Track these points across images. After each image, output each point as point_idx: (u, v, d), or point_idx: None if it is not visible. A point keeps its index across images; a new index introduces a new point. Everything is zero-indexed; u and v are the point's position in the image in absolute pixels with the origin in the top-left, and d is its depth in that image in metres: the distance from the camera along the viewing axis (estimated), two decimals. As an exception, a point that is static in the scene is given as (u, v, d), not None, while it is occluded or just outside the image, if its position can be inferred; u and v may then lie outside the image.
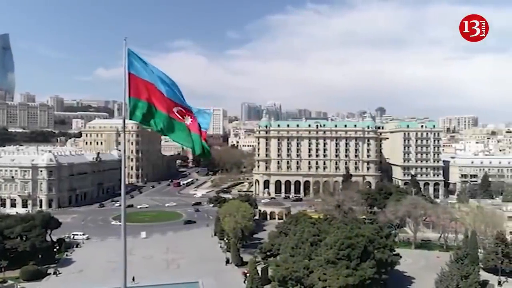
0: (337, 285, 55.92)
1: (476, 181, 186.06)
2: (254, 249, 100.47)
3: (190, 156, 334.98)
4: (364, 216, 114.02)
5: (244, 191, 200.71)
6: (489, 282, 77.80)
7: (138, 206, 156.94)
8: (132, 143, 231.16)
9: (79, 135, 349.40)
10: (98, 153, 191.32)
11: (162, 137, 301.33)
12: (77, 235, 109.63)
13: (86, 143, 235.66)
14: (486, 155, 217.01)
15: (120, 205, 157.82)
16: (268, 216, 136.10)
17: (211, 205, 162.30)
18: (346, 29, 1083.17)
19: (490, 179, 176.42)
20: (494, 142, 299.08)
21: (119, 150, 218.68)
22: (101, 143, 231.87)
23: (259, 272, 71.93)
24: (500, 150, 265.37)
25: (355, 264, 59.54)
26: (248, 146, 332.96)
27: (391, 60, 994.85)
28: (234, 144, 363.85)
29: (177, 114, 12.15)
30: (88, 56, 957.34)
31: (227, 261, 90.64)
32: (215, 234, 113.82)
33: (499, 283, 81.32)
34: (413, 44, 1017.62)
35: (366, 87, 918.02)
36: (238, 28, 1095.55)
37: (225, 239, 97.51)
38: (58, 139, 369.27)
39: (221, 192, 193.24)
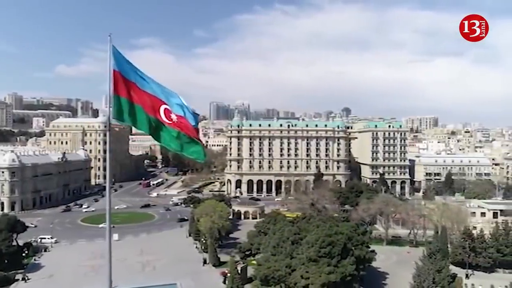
0: (319, 282, 56.68)
1: (439, 179, 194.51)
2: (230, 249, 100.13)
3: (159, 156, 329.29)
4: (336, 214, 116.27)
5: (215, 191, 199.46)
6: (457, 275, 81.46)
7: (116, 207, 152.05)
8: (99, 143, 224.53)
9: (40, 134, 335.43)
10: (64, 153, 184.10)
11: (130, 136, 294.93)
12: (44, 238, 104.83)
13: (50, 142, 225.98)
14: (448, 154, 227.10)
15: (87, 208, 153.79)
16: (242, 216, 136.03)
17: (183, 205, 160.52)
18: (313, 30, 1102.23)
19: (452, 177, 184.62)
20: (454, 142, 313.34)
21: (86, 150, 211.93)
22: (66, 142, 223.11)
23: (239, 272, 71.76)
24: (460, 149, 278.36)
25: (336, 261, 60.61)
26: (218, 145, 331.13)
27: (356, 61, 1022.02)
28: (203, 144, 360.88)
29: (163, 114, 11.82)
30: (48, 52, 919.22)
31: (204, 262, 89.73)
32: (190, 235, 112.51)
33: (467, 276, 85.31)
34: (376, 46, 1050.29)
35: (332, 88, 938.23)
36: (206, 27, 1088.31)
37: (202, 239, 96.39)
38: (18, 138, 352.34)
39: (193, 192, 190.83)
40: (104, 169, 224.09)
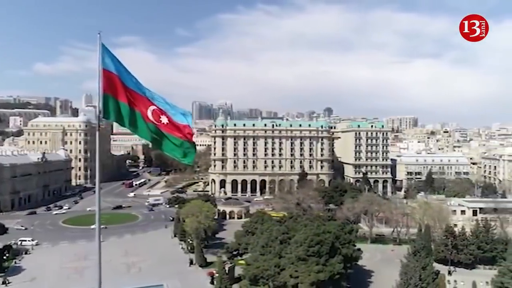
0: (308, 281, 57.01)
1: (420, 178, 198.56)
2: (216, 249, 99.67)
3: (141, 156, 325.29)
4: (321, 214, 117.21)
5: (199, 191, 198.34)
6: (440, 272, 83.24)
7: (88, 209, 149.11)
8: (80, 142, 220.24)
9: (18, 133, 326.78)
10: (44, 153, 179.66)
11: (112, 136, 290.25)
12: (25, 241, 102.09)
13: (29, 142, 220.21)
14: (428, 153, 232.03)
15: (68, 209, 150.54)
16: (228, 216, 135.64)
17: (167, 205, 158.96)
18: (296, 31, 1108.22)
19: (433, 176, 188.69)
20: (433, 142, 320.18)
21: (66, 150, 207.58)
22: (46, 142, 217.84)
23: (227, 272, 71.53)
24: (439, 149, 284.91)
25: (324, 260, 61.10)
26: (201, 145, 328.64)
27: (338, 62, 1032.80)
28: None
29: (151, 115, 11.70)
30: (25, 49, 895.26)
31: (191, 262, 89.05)
32: (175, 235, 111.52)
33: (449, 273, 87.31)
34: (358, 47, 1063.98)
35: (314, 88, 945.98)
36: (188, 26, 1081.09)
37: (188, 240, 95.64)
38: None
39: (176, 192, 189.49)
40: (85, 170, 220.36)
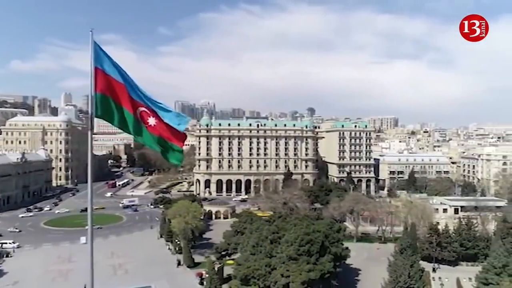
0: (300, 280, 57.28)
1: (402, 177, 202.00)
2: (203, 249, 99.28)
3: (123, 156, 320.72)
4: (308, 213, 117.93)
5: (184, 191, 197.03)
6: (425, 269, 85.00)
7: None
8: (60, 142, 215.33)
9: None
10: (23, 153, 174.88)
11: (93, 135, 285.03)
12: (5, 243, 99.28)
13: (7, 142, 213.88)
14: (410, 153, 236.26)
15: (48, 210, 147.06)
16: (214, 216, 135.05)
17: (152, 206, 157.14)
18: (278, 31, 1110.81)
19: (415, 175, 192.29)
20: (414, 141, 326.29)
21: (46, 150, 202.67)
22: (25, 142, 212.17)
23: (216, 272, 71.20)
24: (420, 149, 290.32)
25: (315, 259, 61.51)
26: (185, 145, 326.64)
27: (319, 62, 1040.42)
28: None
29: (141, 115, 11.71)
30: (0, 46, 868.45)
31: (179, 263, 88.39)
32: (161, 236, 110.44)
33: (434, 270, 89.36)
34: (339, 48, 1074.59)
35: (297, 88, 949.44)
36: (170, 25, 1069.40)
37: (176, 240, 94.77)
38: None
39: (160, 192, 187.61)
40: (66, 170, 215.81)
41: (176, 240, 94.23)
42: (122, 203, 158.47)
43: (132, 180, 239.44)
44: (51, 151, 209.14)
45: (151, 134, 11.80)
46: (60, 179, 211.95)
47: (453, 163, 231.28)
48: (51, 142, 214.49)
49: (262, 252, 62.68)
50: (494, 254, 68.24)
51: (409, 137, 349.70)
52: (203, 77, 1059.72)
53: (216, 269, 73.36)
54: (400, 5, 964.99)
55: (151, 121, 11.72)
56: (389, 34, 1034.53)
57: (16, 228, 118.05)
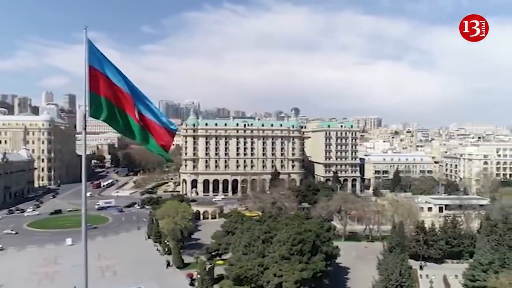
0: (292, 279, 57.44)
1: (387, 177, 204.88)
2: (192, 250, 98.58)
3: (107, 156, 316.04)
4: (293, 212, 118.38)
5: (170, 191, 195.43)
6: (412, 267, 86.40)
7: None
8: (43, 142, 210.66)
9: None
10: (4, 153, 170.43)
11: (77, 135, 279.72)
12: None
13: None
14: (394, 153, 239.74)
15: (32, 212, 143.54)
16: (201, 216, 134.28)
17: (138, 206, 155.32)
18: (262, 31, 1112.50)
19: (400, 174, 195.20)
20: (398, 141, 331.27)
21: (28, 150, 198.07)
22: (6, 142, 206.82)
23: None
24: (404, 148, 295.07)
25: (307, 258, 61.77)
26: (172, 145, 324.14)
27: (304, 62, 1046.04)
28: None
29: (136, 114, 11.63)
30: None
31: (168, 264, 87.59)
32: (149, 237, 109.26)
33: (421, 267, 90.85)
34: (324, 49, 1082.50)
35: (281, 88, 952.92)
36: (154, 23, 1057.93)
37: (165, 241, 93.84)
38: None
39: (146, 193, 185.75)
40: (49, 170, 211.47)
41: (165, 241, 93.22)
42: (98, 204, 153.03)
43: (117, 180, 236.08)
44: (33, 151, 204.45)
45: (146, 132, 11.70)
46: (42, 180, 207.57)
47: (435, 162, 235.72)
48: (33, 142, 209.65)
49: (254, 252, 62.62)
50: (480, 252, 69.83)
51: (392, 137, 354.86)
52: (188, 77, 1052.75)
53: (207, 269, 73.11)
54: (382, 6, 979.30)
55: (146, 120, 11.64)
56: (372, 35, 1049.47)
57: (12, 230, 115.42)
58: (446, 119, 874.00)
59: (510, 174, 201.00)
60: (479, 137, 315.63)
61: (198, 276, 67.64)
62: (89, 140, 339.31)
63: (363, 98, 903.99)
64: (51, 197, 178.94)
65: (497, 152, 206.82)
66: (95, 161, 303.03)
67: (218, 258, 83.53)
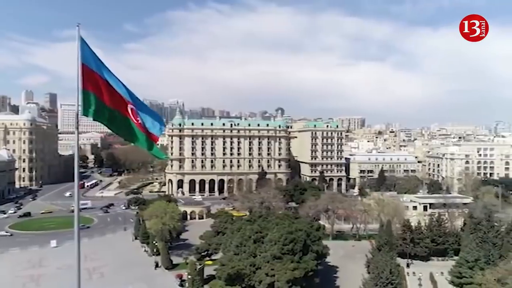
0: (285, 279, 57.57)
1: (372, 176, 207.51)
2: (181, 250, 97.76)
3: (90, 156, 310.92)
4: (281, 212, 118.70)
5: (155, 192, 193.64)
6: (400, 265, 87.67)
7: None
8: (24, 142, 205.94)
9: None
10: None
11: (59, 135, 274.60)
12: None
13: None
14: (378, 152, 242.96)
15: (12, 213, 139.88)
16: (189, 216, 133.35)
17: (124, 207, 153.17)
18: (246, 31, 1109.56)
19: (384, 174, 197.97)
20: (381, 141, 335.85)
21: (8, 150, 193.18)
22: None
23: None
24: (387, 148, 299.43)
25: (299, 258, 62.00)
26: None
27: (288, 63, 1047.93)
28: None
29: (130, 113, 11.58)
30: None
31: (156, 265, 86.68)
32: (136, 238, 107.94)
33: (407, 265, 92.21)
34: (308, 49, 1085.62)
35: (266, 88, 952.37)
36: (137, 22, 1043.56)
37: (153, 241, 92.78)
38: None
39: (131, 193, 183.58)
40: (30, 171, 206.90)
41: (154, 242, 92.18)
42: (73, 206, 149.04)
43: (101, 180, 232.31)
44: (13, 151, 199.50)
45: (139, 131, 11.62)
46: (23, 181, 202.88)
47: (419, 162, 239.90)
48: (14, 142, 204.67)
49: (246, 252, 62.50)
50: (466, 249, 71.38)
51: (376, 137, 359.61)
52: (172, 76, 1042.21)
53: (197, 270, 72.62)
54: (365, 8, 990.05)
55: (139, 119, 11.55)
56: (356, 36, 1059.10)
57: (7, 232, 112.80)
58: (427, 120, 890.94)
59: (490, 173, 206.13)
60: (460, 137, 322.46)
61: (189, 276, 67.10)
62: (71, 140, 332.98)
63: (347, 98, 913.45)
64: (30, 199, 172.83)
65: (478, 152, 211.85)
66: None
67: (207, 258, 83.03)
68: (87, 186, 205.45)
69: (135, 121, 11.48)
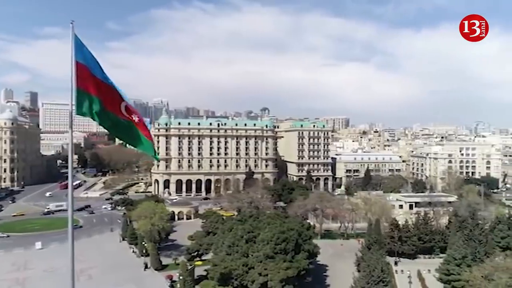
0: (278, 278, 57.67)
1: (358, 175, 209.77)
2: (170, 251, 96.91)
3: (74, 156, 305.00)
4: (268, 212, 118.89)
5: (141, 192, 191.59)
6: (389, 263, 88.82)
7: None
8: (5, 142, 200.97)
9: None
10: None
11: (41, 134, 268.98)
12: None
13: None
14: (364, 152, 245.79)
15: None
16: (176, 217, 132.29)
17: (109, 208, 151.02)
18: (232, 30, 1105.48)
19: (370, 173, 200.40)
20: (366, 141, 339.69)
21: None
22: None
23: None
24: (372, 148, 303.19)
25: (291, 257, 62.19)
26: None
27: (273, 63, 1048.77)
28: (122, 143, 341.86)
29: (124, 111, 11.45)
30: None
31: (146, 266, 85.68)
32: (123, 239, 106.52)
33: (395, 263, 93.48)
34: (292, 49, 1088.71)
35: (251, 88, 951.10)
36: (120, 20, 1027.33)
37: (142, 242, 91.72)
38: None
39: (116, 193, 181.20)
40: (12, 171, 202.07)
41: (143, 243, 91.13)
42: (48, 208, 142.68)
43: (85, 181, 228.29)
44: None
45: (137, 129, 11.44)
46: (5, 181, 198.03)
47: (403, 161, 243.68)
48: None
49: (238, 252, 62.36)
50: (454, 247, 72.76)
51: (361, 137, 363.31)
52: (156, 75, 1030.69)
53: (188, 270, 72.13)
54: (350, 9, 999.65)
55: (135, 117, 11.37)
56: (340, 37, 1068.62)
57: (4, 233, 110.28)
58: (409, 119, 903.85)
59: (472, 172, 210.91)
60: (442, 137, 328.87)
61: (180, 277, 66.56)
62: (52, 139, 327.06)
63: (331, 98, 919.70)
64: (10, 201, 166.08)
65: (460, 152, 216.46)
66: (61, 161, 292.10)
67: (197, 259, 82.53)
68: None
69: (131, 119, 11.28)
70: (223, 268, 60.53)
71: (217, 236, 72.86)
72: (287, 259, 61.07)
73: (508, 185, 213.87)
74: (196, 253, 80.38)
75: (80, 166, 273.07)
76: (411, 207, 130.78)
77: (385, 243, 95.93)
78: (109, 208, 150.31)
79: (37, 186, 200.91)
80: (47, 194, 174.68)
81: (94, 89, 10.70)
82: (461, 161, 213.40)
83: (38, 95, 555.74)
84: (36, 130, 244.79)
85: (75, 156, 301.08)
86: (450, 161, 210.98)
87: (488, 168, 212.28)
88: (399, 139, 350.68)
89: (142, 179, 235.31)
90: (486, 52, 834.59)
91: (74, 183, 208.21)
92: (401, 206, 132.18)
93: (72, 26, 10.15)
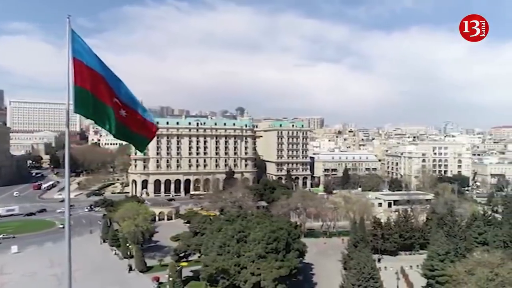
0: (270, 277, 57.72)
1: (336, 174, 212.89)
2: (153, 252, 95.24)
3: (45, 156, 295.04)
4: (250, 211, 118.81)
5: (117, 193, 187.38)
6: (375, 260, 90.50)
7: None
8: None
9: None
10: None
11: (11, 134, 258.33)
12: None
13: None
14: (341, 151, 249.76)
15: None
16: (157, 217, 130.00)
17: (86, 209, 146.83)
18: (206, 29, 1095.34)
19: (348, 172, 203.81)
20: (342, 140, 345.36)
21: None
22: None
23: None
24: (348, 147, 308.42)
25: (282, 256, 62.36)
26: (113, 144, 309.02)
27: (247, 63, 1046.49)
28: (96, 142, 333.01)
29: (120, 109, 11.01)
30: None
31: (130, 268, 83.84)
32: (104, 241, 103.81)
33: (379, 260, 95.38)
34: (267, 49, 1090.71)
35: (225, 87, 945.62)
36: (90, 16, 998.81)
37: (126, 244, 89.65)
38: None
39: (92, 194, 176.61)
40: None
41: (127, 244, 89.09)
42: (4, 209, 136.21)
43: (58, 182, 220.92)
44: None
45: (122, 125, 10.85)
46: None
47: (379, 160, 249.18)
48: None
49: (230, 252, 61.98)
50: (437, 243, 74.85)
51: (336, 137, 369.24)
52: (128, 73, 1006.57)
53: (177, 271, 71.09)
54: (324, 11, 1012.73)
55: (122, 112, 10.77)
56: (313, 38, 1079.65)
57: (8, 235, 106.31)
58: (381, 119, 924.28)
59: (444, 171, 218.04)
60: (414, 137, 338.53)
61: (170, 279, 65.52)
62: (22, 139, 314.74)
63: (306, 98, 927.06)
64: None
65: (433, 151, 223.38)
66: (31, 161, 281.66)
67: (184, 260, 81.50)
68: (44, 187, 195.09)
69: (123, 114, 10.72)
70: (215, 268, 59.99)
71: (206, 236, 72.14)
72: (278, 258, 61.21)
73: (477, 183, 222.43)
74: (184, 254, 79.25)
75: (52, 166, 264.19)
76: (389, 205, 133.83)
77: (368, 240, 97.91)
78: (86, 210, 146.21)
79: (5, 188, 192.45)
80: (15, 193, 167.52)
81: (93, 87, 10.21)
82: (434, 160, 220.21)
83: (4, 92, 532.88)
84: (4, 129, 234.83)
85: (46, 157, 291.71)
86: (423, 160, 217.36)
87: (459, 166, 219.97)
88: (373, 138, 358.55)
89: (118, 179, 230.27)
90: (455, 55, 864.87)
91: (47, 184, 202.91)
92: (380, 204, 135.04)
93: (69, 20, 9.74)
